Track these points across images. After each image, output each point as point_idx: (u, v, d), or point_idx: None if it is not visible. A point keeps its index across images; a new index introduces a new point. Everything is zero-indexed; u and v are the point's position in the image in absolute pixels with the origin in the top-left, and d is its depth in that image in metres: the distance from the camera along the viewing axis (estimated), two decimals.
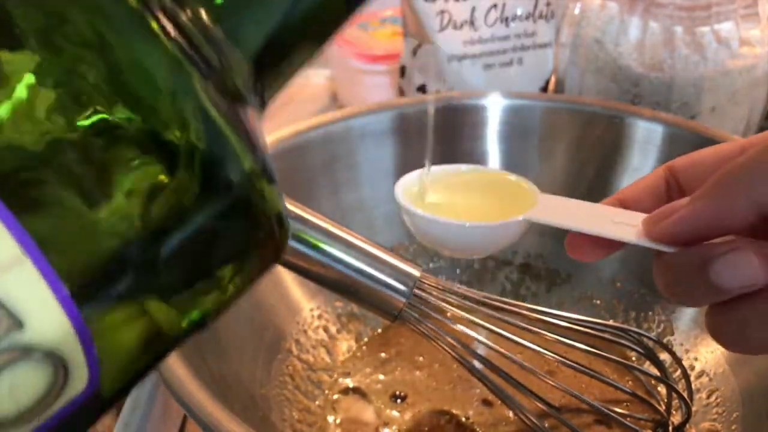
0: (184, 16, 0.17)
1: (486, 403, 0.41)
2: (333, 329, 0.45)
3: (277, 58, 0.20)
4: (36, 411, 0.15)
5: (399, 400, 0.42)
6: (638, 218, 0.25)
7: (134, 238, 0.16)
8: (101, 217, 0.16)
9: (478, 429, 0.40)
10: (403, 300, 0.36)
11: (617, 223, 0.26)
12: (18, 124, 0.15)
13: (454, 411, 0.41)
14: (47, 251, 0.15)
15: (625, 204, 0.28)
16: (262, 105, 0.20)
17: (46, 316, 0.15)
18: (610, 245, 0.27)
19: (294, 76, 0.21)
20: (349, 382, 0.43)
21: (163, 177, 0.16)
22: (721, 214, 0.22)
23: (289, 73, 0.21)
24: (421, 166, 0.32)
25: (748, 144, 0.25)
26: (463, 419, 0.40)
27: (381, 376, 0.43)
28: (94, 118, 0.15)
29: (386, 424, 0.40)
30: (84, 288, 0.15)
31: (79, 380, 0.16)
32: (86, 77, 0.15)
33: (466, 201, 0.29)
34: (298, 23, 0.20)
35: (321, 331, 0.44)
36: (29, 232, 0.14)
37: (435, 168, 0.30)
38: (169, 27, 0.17)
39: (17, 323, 0.14)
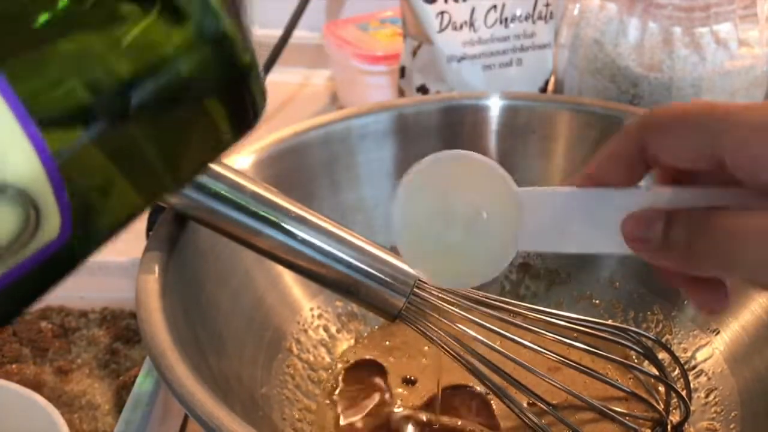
0: None
1: None
2: (333, 329, 0.45)
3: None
4: (9, 249, 0.15)
5: (410, 384, 0.42)
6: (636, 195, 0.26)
7: (107, 77, 0.16)
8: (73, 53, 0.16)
9: (495, 408, 0.40)
10: (403, 299, 0.36)
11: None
12: None
13: (476, 387, 0.41)
14: (17, 88, 0.15)
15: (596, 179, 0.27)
16: None
17: (17, 152, 0.15)
18: None
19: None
20: (365, 356, 0.44)
21: (140, 18, 0.17)
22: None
23: None
24: None
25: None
26: (485, 393, 0.40)
27: (391, 359, 0.44)
28: None
29: (402, 403, 0.40)
30: (52, 124, 0.16)
31: (52, 226, 0.16)
32: None
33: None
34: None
35: (321, 330, 0.44)
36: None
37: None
38: None
39: None
